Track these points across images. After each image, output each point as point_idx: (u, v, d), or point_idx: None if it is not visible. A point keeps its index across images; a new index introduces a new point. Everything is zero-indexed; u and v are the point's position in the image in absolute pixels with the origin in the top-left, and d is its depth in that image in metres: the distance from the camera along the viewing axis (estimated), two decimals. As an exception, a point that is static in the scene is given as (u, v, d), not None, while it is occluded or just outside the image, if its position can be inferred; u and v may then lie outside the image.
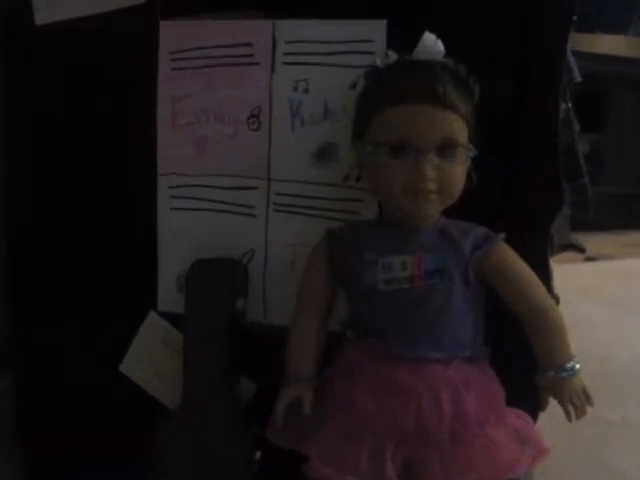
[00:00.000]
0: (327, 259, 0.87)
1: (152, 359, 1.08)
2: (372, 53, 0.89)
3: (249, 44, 0.97)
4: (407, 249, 0.81)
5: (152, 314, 1.09)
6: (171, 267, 1.07)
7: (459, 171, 0.79)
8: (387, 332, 0.82)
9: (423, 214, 0.80)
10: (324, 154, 0.96)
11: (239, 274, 1.00)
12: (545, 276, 0.87)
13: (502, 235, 0.82)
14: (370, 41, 0.90)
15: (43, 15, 1.02)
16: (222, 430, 0.96)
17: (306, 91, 0.95)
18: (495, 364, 0.87)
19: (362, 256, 0.82)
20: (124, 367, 1.09)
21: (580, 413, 0.81)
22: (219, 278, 0.99)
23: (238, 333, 1.00)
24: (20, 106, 1.08)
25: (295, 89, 0.95)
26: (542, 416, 0.89)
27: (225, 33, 0.97)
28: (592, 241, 2.31)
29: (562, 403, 0.82)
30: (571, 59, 0.99)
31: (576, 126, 1.05)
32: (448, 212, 0.84)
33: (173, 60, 1.02)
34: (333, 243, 0.87)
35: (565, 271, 1.20)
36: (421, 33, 0.80)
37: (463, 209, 0.82)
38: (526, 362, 0.85)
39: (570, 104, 0.99)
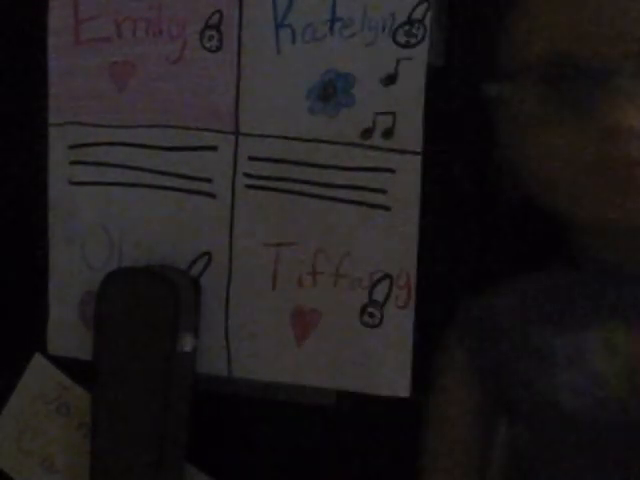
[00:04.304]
0: (467, 367, 0.62)
1: (36, 435, 0.92)
2: None
3: None
4: (614, 308, 0.54)
5: (37, 358, 0.93)
6: (70, 282, 0.91)
7: None
8: None
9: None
10: (330, 93, 0.80)
11: (185, 294, 0.84)
12: None
13: None
14: None
15: None
16: None
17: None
18: None
19: (524, 338, 0.57)
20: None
21: None
22: (151, 301, 0.83)
23: (182, 394, 0.84)
24: None
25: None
26: None
27: None
28: None
29: None
30: None
31: None
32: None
33: None
34: (472, 330, 0.62)
35: None
36: None
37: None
38: None
39: None
